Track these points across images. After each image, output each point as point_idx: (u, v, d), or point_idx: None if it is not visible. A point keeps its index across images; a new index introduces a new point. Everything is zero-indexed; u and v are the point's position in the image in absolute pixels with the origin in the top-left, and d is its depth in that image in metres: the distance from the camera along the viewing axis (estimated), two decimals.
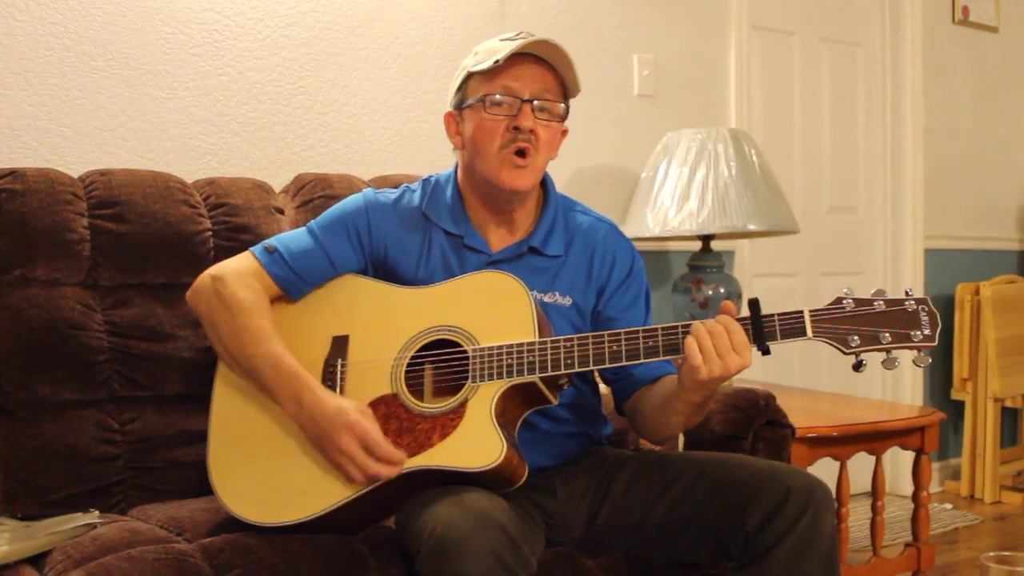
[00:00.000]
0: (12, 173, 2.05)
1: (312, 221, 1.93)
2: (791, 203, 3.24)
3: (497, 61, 1.78)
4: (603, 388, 2.03)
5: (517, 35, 1.83)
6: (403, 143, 2.95)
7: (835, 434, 2.60)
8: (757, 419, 2.12)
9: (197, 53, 2.60)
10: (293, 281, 1.83)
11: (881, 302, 1.63)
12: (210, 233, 2.20)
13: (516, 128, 1.79)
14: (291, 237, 1.88)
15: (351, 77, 2.85)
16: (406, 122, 2.95)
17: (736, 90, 3.70)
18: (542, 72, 1.81)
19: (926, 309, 1.63)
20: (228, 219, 2.23)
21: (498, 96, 1.80)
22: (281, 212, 2.34)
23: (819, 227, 4.10)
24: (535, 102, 1.80)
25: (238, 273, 1.81)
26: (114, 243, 2.10)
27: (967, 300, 4.25)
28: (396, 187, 1.98)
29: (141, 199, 2.14)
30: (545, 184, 1.96)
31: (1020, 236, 4.78)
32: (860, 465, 3.03)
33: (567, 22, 3.26)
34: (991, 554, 1.47)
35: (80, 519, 1.70)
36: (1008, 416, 4.50)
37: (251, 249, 1.87)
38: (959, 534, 3.74)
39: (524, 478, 1.68)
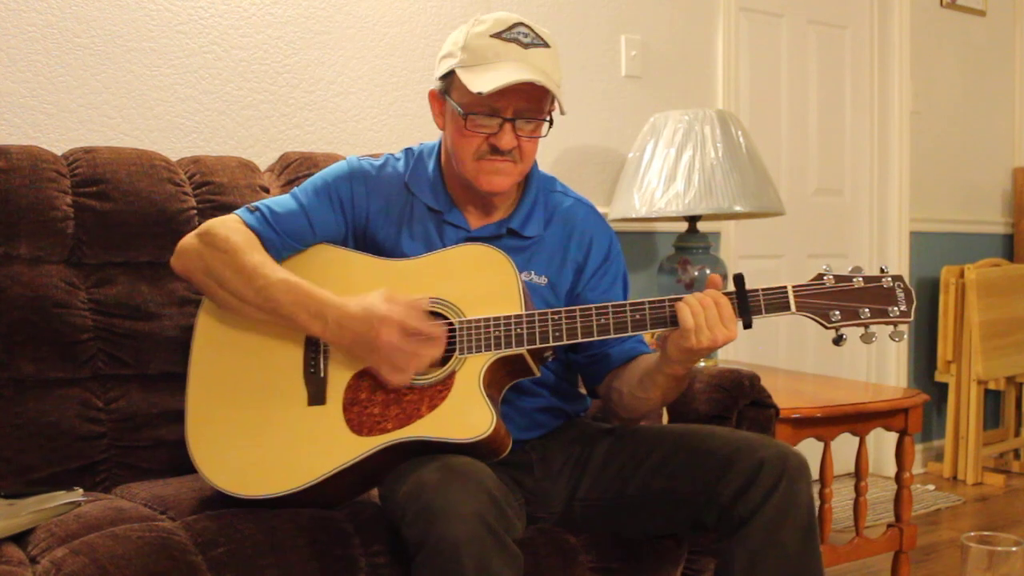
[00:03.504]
0: None
1: (296, 187, 1.92)
2: (777, 185, 3.25)
3: (481, 93, 1.70)
4: None
5: (510, 29, 1.77)
6: (389, 122, 2.94)
7: (819, 415, 2.61)
8: (741, 399, 2.12)
9: (182, 31, 2.59)
10: (273, 240, 1.80)
11: (860, 278, 1.68)
12: (195, 211, 2.20)
13: (494, 146, 1.77)
14: (274, 200, 1.87)
15: (337, 55, 2.84)
16: (392, 101, 2.94)
17: (723, 72, 3.69)
18: (529, 85, 1.73)
19: (901, 285, 1.68)
20: (213, 198, 2.22)
21: (480, 115, 1.76)
22: (267, 191, 2.33)
23: (805, 209, 4.11)
24: (517, 122, 1.77)
25: (223, 224, 1.80)
26: (98, 221, 2.09)
27: (952, 283, 4.27)
28: (378, 156, 1.97)
29: (125, 177, 2.13)
30: None
31: (1005, 219, 4.79)
32: (844, 446, 3.04)
33: (555, 2, 3.24)
34: (972, 534, 1.47)
35: (64, 497, 1.70)
36: (991, 398, 4.53)
37: (234, 211, 1.85)
38: (941, 515, 3.76)
39: (509, 449, 1.69)
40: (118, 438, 2.03)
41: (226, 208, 2.20)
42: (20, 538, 1.62)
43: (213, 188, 2.23)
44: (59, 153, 2.14)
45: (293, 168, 2.40)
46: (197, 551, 1.55)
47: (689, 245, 3.17)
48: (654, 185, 3.07)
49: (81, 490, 1.76)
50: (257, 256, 1.74)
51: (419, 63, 2.97)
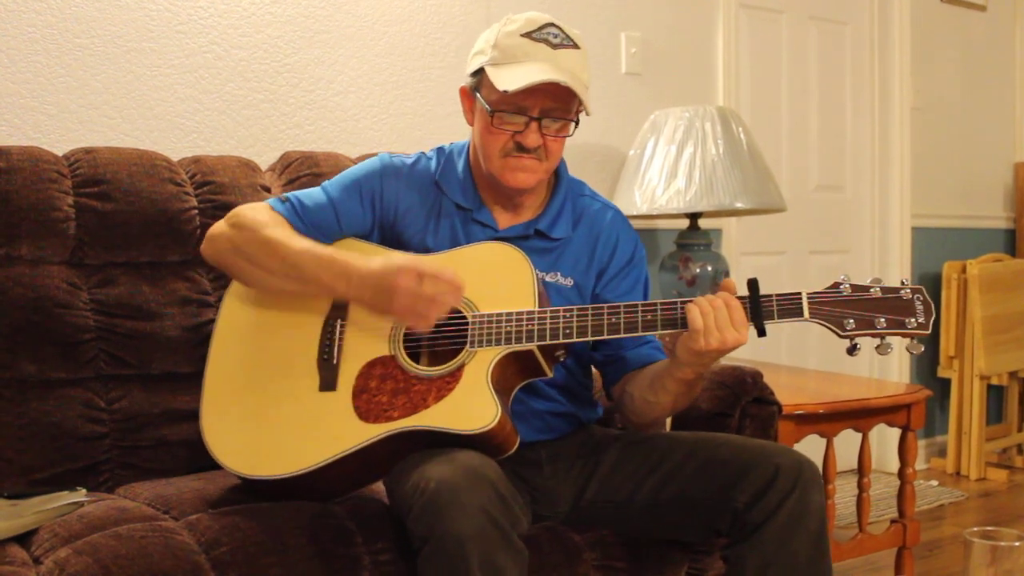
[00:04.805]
0: None
1: (327, 181, 1.94)
2: (778, 181, 3.24)
3: (507, 91, 1.73)
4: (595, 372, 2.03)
5: (540, 29, 1.79)
6: (389, 121, 2.93)
7: (822, 411, 2.61)
8: (744, 396, 2.12)
9: (182, 31, 2.58)
10: (300, 231, 1.82)
11: (877, 289, 1.67)
12: (196, 211, 2.20)
13: (520, 144, 1.79)
14: (304, 192, 1.89)
15: (337, 55, 2.84)
16: (392, 100, 2.94)
17: (724, 68, 3.69)
18: (555, 85, 1.75)
19: (921, 298, 1.67)
20: (214, 197, 2.22)
21: (506, 113, 1.78)
22: (267, 190, 2.33)
23: (806, 206, 4.11)
24: (543, 121, 1.79)
25: (251, 207, 1.85)
26: (99, 221, 2.09)
27: (954, 278, 4.27)
28: (411, 154, 1.98)
29: (126, 177, 2.13)
30: (557, 167, 1.95)
31: (1007, 214, 4.79)
32: (846, 442, 3.04)
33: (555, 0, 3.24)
34: (975, 529, 1.47)
35: (67, 497, 1.70)
36: (994, 394, 4.52)
37: (266, 200, 1.89)
38: (944, 510, 3.76)
39: (515, 446, 1.69)
40: (120, 438, 2.03)
41: (228, 207, 2.19)
42: (23, 539, 1.62)
43: (214, 188, 2.23)
44: (60, 154, 2.14)
45: (294, 167, 2.40)
46: (200, 550, 1.55)
47: (690, 242, 3.17)
48: (655, 182, 3.07)
49: (84, 490, 1.76)
50: (281, 231, 1.78)
51: (418, 62, 2.96)
